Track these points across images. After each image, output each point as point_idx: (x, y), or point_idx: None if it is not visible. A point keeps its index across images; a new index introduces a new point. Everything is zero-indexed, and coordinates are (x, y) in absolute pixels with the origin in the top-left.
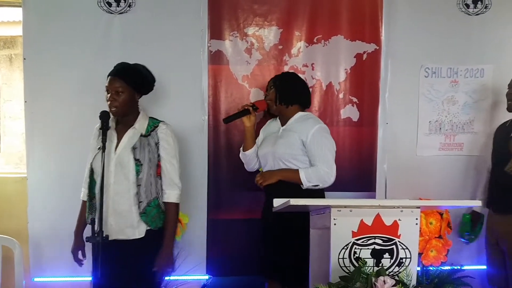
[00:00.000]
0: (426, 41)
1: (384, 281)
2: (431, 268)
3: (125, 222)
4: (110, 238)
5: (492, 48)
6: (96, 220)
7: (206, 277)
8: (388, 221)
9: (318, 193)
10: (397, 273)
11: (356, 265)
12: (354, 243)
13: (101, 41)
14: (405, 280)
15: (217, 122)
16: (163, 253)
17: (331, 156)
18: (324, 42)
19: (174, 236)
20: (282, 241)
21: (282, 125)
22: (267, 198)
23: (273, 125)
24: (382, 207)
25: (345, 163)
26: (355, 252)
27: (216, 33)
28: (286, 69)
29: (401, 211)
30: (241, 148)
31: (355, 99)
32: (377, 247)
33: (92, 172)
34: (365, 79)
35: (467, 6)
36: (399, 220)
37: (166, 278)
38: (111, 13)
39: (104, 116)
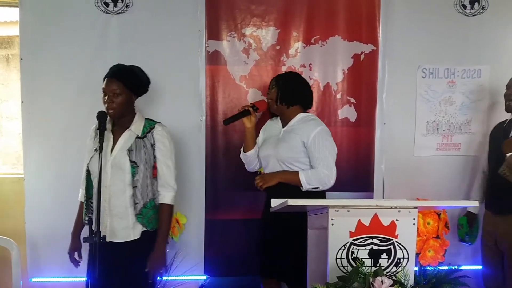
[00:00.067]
0: (424, 41)
1: (381, 281)
2: (428, 268)
3: (121, 224)
4: (106, 236)
5: (489, 48)
6: (94, 221)
7: (204, 277)
8: (385, 221)
9: (318, 194)
10: (394, 273)
11: (354, 265)
12: (351, 243)
13: (98, 41)
14: (402, 280)
15: (214, 123)
16: (156, 254)
17: (331, 158)
18: (321, 42)
19: (167, 237)
20: (281, 241)
21: (283, 125)
22: (267, 199)
23: (273, 125)
24: (380, 207)
25: (342, 163)
26: (352, 252)
27: (213, 33)
28: (283, 69)
29: (399, 211)
30: (242, 149)
31: (352, 100)
32: (375, 247)
33: (88, 173)
34: (362, 80)
35: (464, 7)
36: (396, 220)
37: (160, 278)
38: (109, 13)
39: (101, 116)
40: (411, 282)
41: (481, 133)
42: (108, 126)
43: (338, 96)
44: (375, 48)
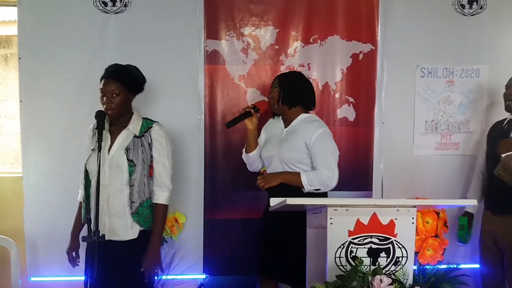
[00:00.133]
0: (422, 41)
1: (380, 280)
2: (427, 267)
3: (119, 223)
4: (104, 236)
5: (488, 48)
6: (92, 220)
7: (203, 276)
8: (384, 220)
9: (320, 195)
10: (393, 272)
11: (353, 264)
12: (350, 242)
13: (97, 40)
14: (401, 279)
15: (213, 122)
16: (150, 254)
17: (333, 160)
18: (320, 42)
19: (161, 237)
20: (280, 241)
21: (285, 125)
22: (269, 199)
23: (275, 124)
24: (379, 206)
25: (341, 162)
26: (351, 251)
27: (212, 33)
28: (282, 69)
29: (398, 210)
30: (244, 150)
31: (351, 99)
32: (374, 246)
33: (87, 172)
34: (361, 79)
35: (463, 6)
36: (395, 219)
37: (157, 278)
38: (107, 12)
39: (99, 116)
40: (410, 281)
41: (479, 133)
42: (106, 125)
43: (337, 95)
44: (373, 48)
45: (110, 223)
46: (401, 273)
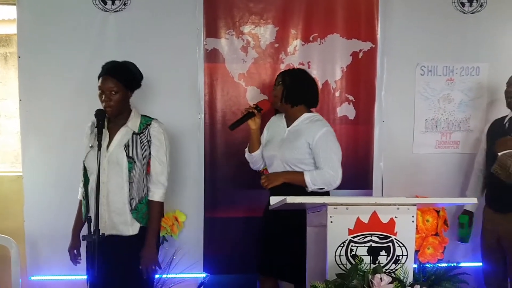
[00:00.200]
0: (422, 39)
1: (380, 278)
2: (427, 265)
3: (119, 219)
4: (104, 232)
5: (488, 46)
6: (92, 218)
7: (203, 275)
8: (384, 219)
9: (323, 194)
10: (393, 270)
11: (353, 262)
12: (350, 241)
13: (96, 39)
14: (401, 277)
15: (213, 121)
16: (146, 251)
17: (337, 159)
18: (320, 40)
19: (157, 234)
20: (281, 239)
21: (288, 124)
22: (269, 197)
23: (278, 122)
24: (379, 205)
25: (341, 161)
26: (351, 250)
27: (212, 31)
28: (282, 67)
29: (398, 208)
30: (247, 149)
31: (351, 97)
32: (374, 244)
33: (85, 170)
34: (361, 77)
35: (463, 4)
36: (395, 217)
37: (157, 276)
38: (106, 11)
39: (99, 114)
40: (410, 279)
41: (479, 131)
42: (104, 123)
43: (337, 94)
44: (373, 46)
45: (110, 219)
46: (401, 272)
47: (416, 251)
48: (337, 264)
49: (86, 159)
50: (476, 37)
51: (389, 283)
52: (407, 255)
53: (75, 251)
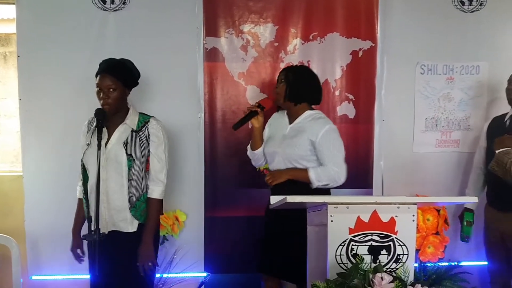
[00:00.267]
0: (422, 38)
1: (381, 277)
2: (428, 264)
3: (119, 217)
4: (105, 230)
5: (488, 45)
6: (93, 217)
7: (204, 274)
8: (385, 218)
9: (325, 192)
10: (394, 269)
11: (354, 261)
12: (351, 240)
13: (96, 38)
14: (402, 277)
15: (213, 120)
16: (142, 248)
17: (340, 156)
18: (320, 39)
19: (154, 231)
20: (282, 238)
21: (290, 121)
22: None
23: (279, 119)
24: (379, 204)
25: None
26: (352, 249)
27: (211, 30)
28: (282, 66)
29: (398, 207)
30: (249, 147)
31: (351, 96)
32: (374, 243)
33: (84, 168)
34: (361, 76)
35: (462, 3)
36: (396, 216)
37: (158, 275)
38: (106, 10)
39: (99, 114)
40: (411, 278)
41: (479, 129)
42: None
43: (337, 92)
44: (373, 45)
45: (110, 217)
46: (402, 271)
47: (417, 250)
48: (338, 264)
49: (84, 156)
50: (476, 36)
51: (390, 282)
52: (407, 254)
53: (78, 250)
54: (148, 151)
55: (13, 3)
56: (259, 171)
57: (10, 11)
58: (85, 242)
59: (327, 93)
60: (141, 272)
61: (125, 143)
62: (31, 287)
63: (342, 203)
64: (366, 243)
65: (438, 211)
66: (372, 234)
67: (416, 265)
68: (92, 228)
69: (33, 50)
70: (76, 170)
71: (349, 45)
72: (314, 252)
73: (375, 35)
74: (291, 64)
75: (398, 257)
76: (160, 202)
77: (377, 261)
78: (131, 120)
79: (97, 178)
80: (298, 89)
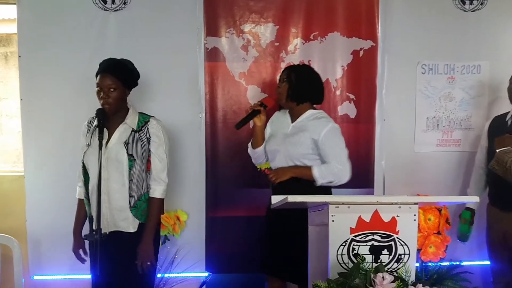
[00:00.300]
0: (423, 37)
1: (383, 277)
2: (430, 264)
3: (120, 217)
4: (106, 231)
5: (488, 44)
6: (94, 217)
7: (206, 274)
8: (386, 218)
9: (328, 190)
10: (395, 269)
11: (355, 261)
12: (352, 240)
13: (97, 38)
14: (403, 276)
15: (214, 119)
16: (142, 246)
17: (344, 154)
18: (320, 39)
19: (153, 230)
20: (283, 238)
21: (292, 120)
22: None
23: (281, 118)
24: (380, 204)
25: None
26: (353, 249)
27: (212, 30)
28: (283, 66)
29: (399, 207)
30: (250, 144)
31: (352, 96)
32: (376, 243)
33: (85, 168)
34: (362, 76)
35: (463, 2)
36: (397, 216)
37: (159, 275)
38: (106, 10)
39: (100, 114)
40: (412, 278)
41: (481, 129)
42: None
43: (338, 92)
44: (374, 44)
45: (112, 217)
46: (403, 271)
47: (418, 250)
48: (339, 263)
49: (85, 157)
50: (477, 35)
51: (391, 282)
52: (409, 254)
53: (80, 251)
54: (149, 151)
55: (14, 4)
56: (260, 170)
57: (11, 11)
58: (86, 242)
59: (328, 92)
60: (139, 270)
61: (126, 143)
62: (33, 287)
63: (343, 203)
64: (368, 243)
65: (440, 210)
66: (373, 233)
67: (417, 264)
68: (94, 228)
69: (34, 50)
70: (77, 170)
71: (350, 44)
72: (315, 252)
73: (376, 34)
74: (292, 64)
75: (400, 257)
76: (161, 201)
77: (379, 261)
78: (131, 120)
79: (98, 178)
80: (300, 89)
